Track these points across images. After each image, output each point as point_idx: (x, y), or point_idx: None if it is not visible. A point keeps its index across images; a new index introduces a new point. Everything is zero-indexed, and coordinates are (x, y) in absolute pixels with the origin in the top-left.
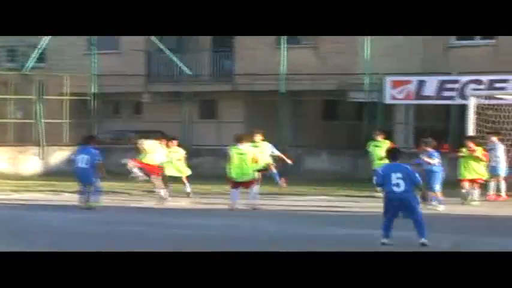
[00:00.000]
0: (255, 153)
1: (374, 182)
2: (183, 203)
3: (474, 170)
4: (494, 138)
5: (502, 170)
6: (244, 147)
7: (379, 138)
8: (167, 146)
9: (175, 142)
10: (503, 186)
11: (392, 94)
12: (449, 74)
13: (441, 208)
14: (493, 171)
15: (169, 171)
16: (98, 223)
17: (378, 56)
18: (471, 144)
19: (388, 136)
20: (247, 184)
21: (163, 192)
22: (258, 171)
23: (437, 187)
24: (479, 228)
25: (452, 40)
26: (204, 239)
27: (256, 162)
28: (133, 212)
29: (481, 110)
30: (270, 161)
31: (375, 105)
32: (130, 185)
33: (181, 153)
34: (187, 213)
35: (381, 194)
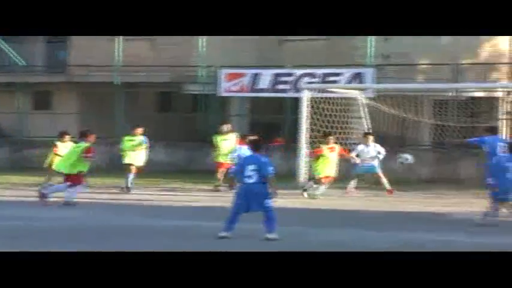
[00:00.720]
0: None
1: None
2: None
3: (331, 167)
4: (371, 138)
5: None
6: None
7: (226, 131)
8: None
9: None
10: (352, 183)
11: (227, 87)
12: (283, 67)
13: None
14: (365, 169)
15: None
16: None
17: (213, 49)
18: (331, 142)
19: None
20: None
21: None
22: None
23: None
24: (315, 220)
25: None
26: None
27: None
28: None
29: (314, 103)
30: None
31: (209, 98)
32: None
33: None
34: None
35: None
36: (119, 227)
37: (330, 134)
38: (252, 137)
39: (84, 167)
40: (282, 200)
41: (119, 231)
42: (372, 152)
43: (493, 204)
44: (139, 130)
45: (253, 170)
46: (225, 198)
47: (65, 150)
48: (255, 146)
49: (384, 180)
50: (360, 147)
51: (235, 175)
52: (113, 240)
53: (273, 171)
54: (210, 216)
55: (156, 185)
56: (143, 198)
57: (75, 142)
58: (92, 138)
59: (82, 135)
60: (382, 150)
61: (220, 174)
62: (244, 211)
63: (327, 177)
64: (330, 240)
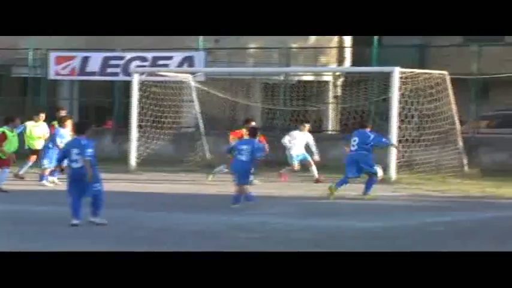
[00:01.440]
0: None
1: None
2: None
3: None
4: (307, 126)
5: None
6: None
7: (40, 117)
8: None
9: None
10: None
11: (57, 70)
12: (114, 50)
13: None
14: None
15: None
16: None
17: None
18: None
19: (51, 112)
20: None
21: None
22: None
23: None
24: (145, 204)
25: None
26: None
27: None
28: None
29: (145, 86)
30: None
31: (39, 81)
32: None
33: None
34: None
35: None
36: None
37: (251, 120)
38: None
39: None
40: (111, 184)
41: None
42: (303, 140)
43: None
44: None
45: (78, 154)
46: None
47: None
48: (78, 128)
49: (313, 169)
50: (295, 133)
51: (60, 160)
52: None
53: (91, 154)
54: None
55: None
56: None
57: None
58: None
59: None
60: (311, 140)
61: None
62: (80, 196)
63: None
64: (159, 222)
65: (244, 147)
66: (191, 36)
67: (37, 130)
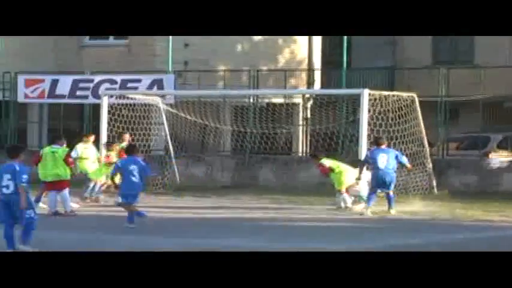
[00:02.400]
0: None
1: None
2: None
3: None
4: None
5: None
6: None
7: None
8: None
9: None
10: None
11: (26, 93)
12: (82, 73)
13: None
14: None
15: None
16: None
17: (11, 54)
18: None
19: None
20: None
21: None
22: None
23: None
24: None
25: (86, 40)
26: None
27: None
28: None
29: (115, 109)
30: None
31: (8, 104)
32: None
33: None
34: None
35: None
36: None
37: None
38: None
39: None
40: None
41: None
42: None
43: None
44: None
45: (10, 180)
46: None
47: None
48: (10, 153)
49: None
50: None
51: None
52: None
53: (26, 180)
54: None
55: None
56: None
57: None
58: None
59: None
60: None
61: None
62: (13, 222)
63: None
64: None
65: (133, 167)
66: (160, 58)
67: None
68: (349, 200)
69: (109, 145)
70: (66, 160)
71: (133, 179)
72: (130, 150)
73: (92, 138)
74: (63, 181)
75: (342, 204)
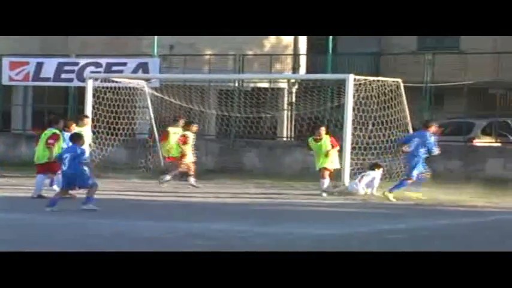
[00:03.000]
0: None
1: None
2: None
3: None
4: None
5: None
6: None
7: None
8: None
9: None
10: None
11: (10, 75)
12: (68, 56)
13: None
14: None
15: None
16: None
17: None
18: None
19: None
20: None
21: None
22: None
23: None
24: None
25: None
26: None
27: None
28: None
29: (100, 92)
30: None
31: None
32: None
33: None
34: None
35: None
36: None
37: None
38: None
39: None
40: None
41: None
42: None
43: None
44: None
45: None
46: None
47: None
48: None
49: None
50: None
51: None
52: None
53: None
54: None
55: None
56: None
57: None
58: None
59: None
60: None
61: None
62: None
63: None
64: (110, 230)
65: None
66: (146, 41)
67: None
68: (327, 185)
69: (187, 126)
70: (46, 141)
71: (63, 167)
72: (74, 138)
73: (87, 121)
74: (55, 163)
75: (331, 189)
